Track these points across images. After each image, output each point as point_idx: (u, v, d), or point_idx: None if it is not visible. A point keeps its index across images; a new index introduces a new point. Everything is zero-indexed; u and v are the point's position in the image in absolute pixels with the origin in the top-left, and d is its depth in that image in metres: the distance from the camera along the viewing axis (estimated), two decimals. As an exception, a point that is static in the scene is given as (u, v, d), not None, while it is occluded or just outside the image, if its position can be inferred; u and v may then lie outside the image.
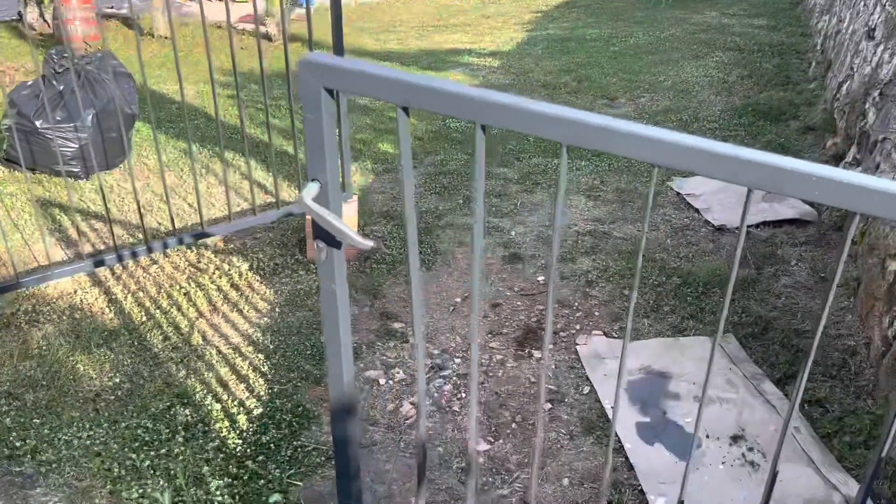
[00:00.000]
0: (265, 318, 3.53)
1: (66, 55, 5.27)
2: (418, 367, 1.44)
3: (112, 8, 13.86)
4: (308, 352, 3.27)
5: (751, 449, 2.76)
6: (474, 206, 1.24)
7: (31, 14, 11.71)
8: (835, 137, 5.48)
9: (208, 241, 4.15)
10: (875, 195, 0.99)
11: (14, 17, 12.43)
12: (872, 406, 2.95)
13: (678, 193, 5.07)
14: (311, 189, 1.29)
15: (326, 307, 1.44)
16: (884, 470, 2.61)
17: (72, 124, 5.00)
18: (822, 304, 1.14)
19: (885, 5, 5.21)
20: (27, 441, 2.67)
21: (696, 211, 4.80)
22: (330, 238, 1.34)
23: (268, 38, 11.38)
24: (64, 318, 3.44)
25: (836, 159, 5.23)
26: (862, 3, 6.30)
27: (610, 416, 2.95)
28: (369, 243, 1.30)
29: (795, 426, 2.86)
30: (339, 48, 3.78)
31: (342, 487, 1.67)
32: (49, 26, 11.50)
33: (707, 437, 2.84)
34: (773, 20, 10.79)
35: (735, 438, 2.83)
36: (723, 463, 2.71)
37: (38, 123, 4.94)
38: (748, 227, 4.53)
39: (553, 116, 1.10)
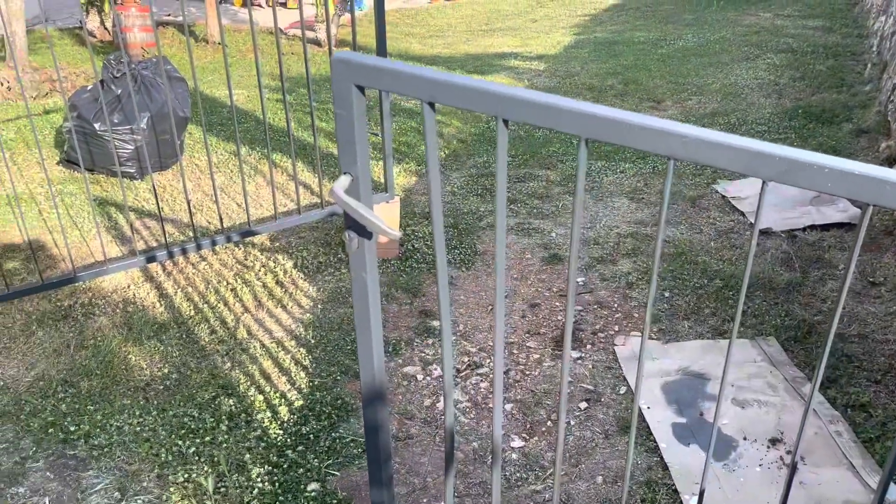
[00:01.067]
0: (308, 314, 3.62)
1: (123, 60, 5.49)
2: (444, 347, 1.48)
3: (169, 15, 14.31)
4: (348, 347, 3.35)
5: (789, 452, 2.73)
6: (496, 199, 1.29)
7: (92, 22, 12.17)
8: (888, 140, 5.35)
9: (255, 239, 4.28)
10: (888, 186, 1.00)
11: (76, 25, 12.95)
12: (918, 412, 2.89)
13: (723, 196, 5.01)
14: (343, 181, 1.35)
15: (358, 295, 1.50)
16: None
17: (128, 127, 5.20)
18: (838, 293, 1.16)
19: (942, 4, 5.07)
20: (81, 426, 2.80)
21: (741, 214, 4.74)
22: (361, 229, 1.40)
23: (317, 43, 11.60)
24: (118, 310, 3.59)
25: (890, 162, 5.11)
26: (919, 2, 6.13)
27: (647, 417, 2.95)
28: (397, 233, 1.35)
29: (837, 430, 2.82)
30: (381, 51, 3.86)
31: (373, 473, 1.73)
32: (109, 33, 11.94)
33: (745, 439, 2.82)
34: (829, 21, 10.54)
35: (773, 441, 2.80)
36: (760, 465, 2.69)
37: (96, 126, 5.15)
38: (794, 230, 4.46)
39: (571, 110, 1.14)
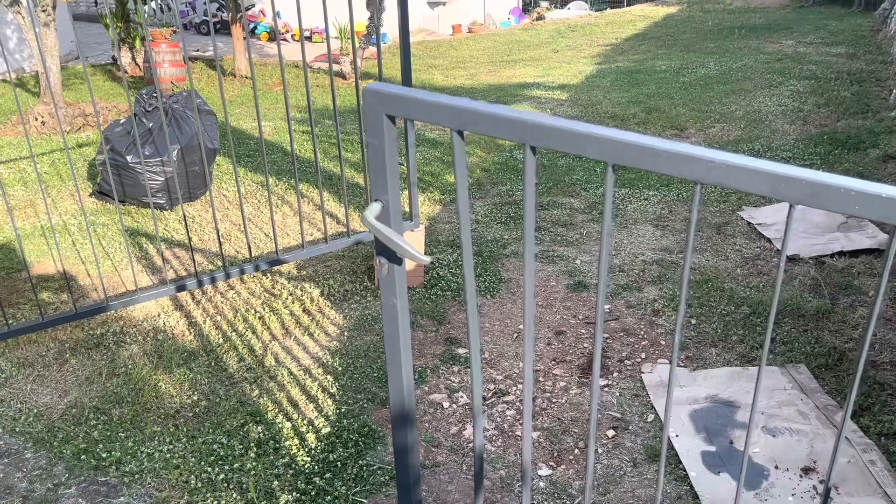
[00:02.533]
0: (334, 342, 3.65)
1: (155, 95, 5.63)
2: (473, 372, 1.50)
3: (198, 51, 14.66)
4: (375, 374, 3.37)
5: (822, 481, 2.69)
6: (525, 225, 1.31)
7: (124, 58, 12.52)
8: (916, 165, 5.31)
9: (282, 267, 4.33)
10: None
11: (109, 61, 13.32)
12: (954, 440, 2.83)
13: (749, 223, 4.99)
14: (374, 209, 1.38)
15: (388, 320, 1.52)
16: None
17: (159, 159, 5.32)
18: (867, 320, 1.16)
19: (967, 29, 5.06)
20: (112, 453, 2.83)
21: (768, 240, 4.71)
22: (391, 255, 1.43)
23: (342, 75, 11.81)
24: (148, 339, 3.65)
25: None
26: (944, 27, 6.11)
27: (676, 445, 2.92)
28: (427, 258, 1.38)
29: (871, 459, 2.77)
30: (407, 82, 3.93)
31: (402, 498, 1.73)
32: (140, 69, 12.26)
33: (776, 468, 2.78)
34: (852, 48, 10.52)
35: (806, 470, 2.75)
36: (792, 495, 2.64)
37: (128, 158, 5.28)
38: (822, 257, 4.42)
39: (597, 136, 1.16)
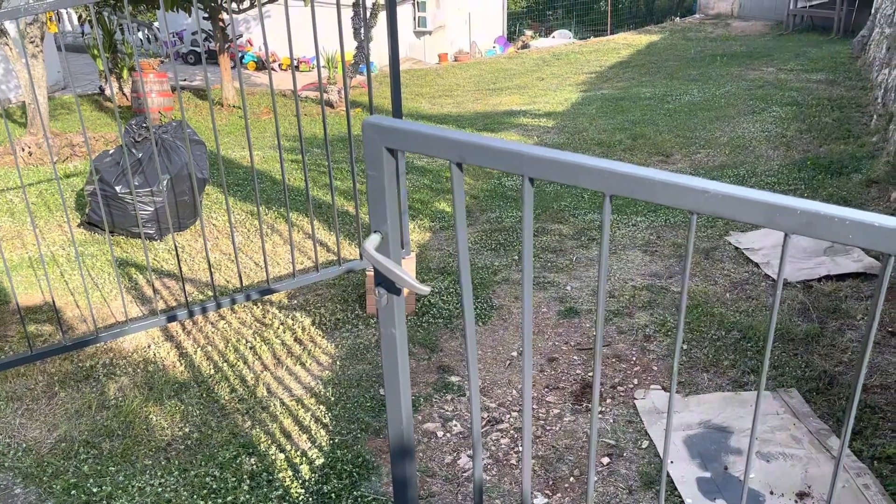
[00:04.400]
0: (327, 371, 3.64)
1: (144, 125, 5.64)
2: (472, 401, 1.50)
3: (184, 80, 14.71)
4: (368, 404, 3.35)
5: (817, 506, 2.69)
6: (523, 254, 1.32)
7: (111, 88, 12.56)
8: (898, 189, 5.39)
9: (273, 297, 4.32)
10: (909, 237, 1.03)
11: (96, 91, 13.33)
12: (946, 463, 2.85)
13: (736, 248, 5.04)
14: (374, 240, 1.40)
15: (387, 349, 1.53)
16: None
17: (148, 189, 5.31)
18: (859, 343, 1.18)
19: (944, 56, 5.18)
20: (103, 487, 2.80)
21: (756, 265, 4.75)
22: (390, 285, 1.44)
23: (330, 104, 11.87)
24: (138, 370, 3.62)
25: (901, 211, 5.13)
26: (921, 54, 6.25)
27: (671, 472, 2.92)
28: (426, 289, 1.39)
29: (865, 483, 2.78)
30: (397, 111, 3.96)
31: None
32: (127, 99, 12.28)
33: (772, 493, 2.78)
34: (832, 74, 10.71)
35: (801, 496, 2.76)
36: (788, 520, 2.64)
37: (118, 189, 5.27)
38: (810, 281, 4.46)
39: (594, 168, 1.18)
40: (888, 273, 1.16)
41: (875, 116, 7.72)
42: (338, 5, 3.85)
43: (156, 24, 18.28)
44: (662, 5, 23.36)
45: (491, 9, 20.35)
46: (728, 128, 8.22)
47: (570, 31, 21.31)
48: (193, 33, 17.33)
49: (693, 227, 1.21)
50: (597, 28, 21.37)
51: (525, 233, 1.32)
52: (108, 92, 12.68)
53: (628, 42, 16.81)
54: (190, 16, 13.36)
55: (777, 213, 1.10)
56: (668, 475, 2.89)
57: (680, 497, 2.78)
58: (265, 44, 3.72)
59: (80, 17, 14.59)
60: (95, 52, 12.38)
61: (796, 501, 2.73)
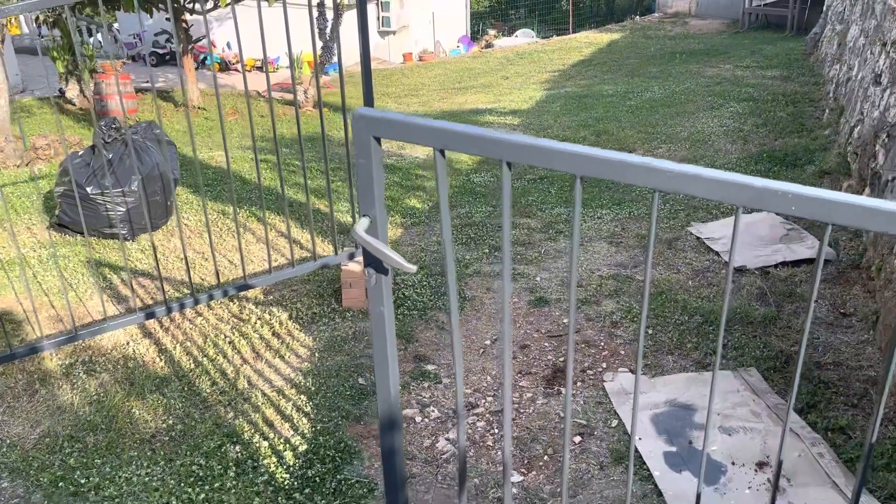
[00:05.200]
0: (306, 363, 3.72)
1: (114, 126, 5.65)
2: (457, 373, 1.61)
3: (146, 83, 14.59)
4: (348, 392, 3.45)
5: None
6: (503, 232, 1.44)
7: (72, 90, 12.39)
8: (849, 179, 5.64)
9: (249, 293, 4.38)
10: (841, 207, 1.18)
11: (56, 94, 13.15)
12: (894, 432, 3.05)
13: (697, 238, 5.23)
14: (363, 223, 1.50)
15: (376, 327, 1.63)
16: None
17: (119, 189, 5.33)
18: (806, 320, 1.32)
19: (889, 52, 5.44)
20: (90, 479, 2.85)
21: (716, 254, 4.95)
22: (379, 265, 1.55)
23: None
24: (119, 367, 3.67)
25: (852, 200, 5.38)
26: (869, 51, 6.53)
27: (639, 447, 3.07)
28: (413, 267, 1.50)
29: (819, 452, 2.96)
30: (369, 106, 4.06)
31: (390, 498, 1.83)
32: (89, 101, 12.15)
33: (733, 464, 2.95)
34: (787, 71, 11.05)
35: (760, 465, 2.93)
36: (749, 488, 2.81)
37: (88, 189, 5.27)
38: (767, 267, 4.67)
39: (566, 152, 1.31)
40: (826, 239, 1.30)
41: (827, 110, 8.02)
42: (309, 6, 3.94)
43: (115, 25, 18.06)
44: (623, 4, 23.75)
45: (454, 8, 20.50)
46: (688, 123, 8.45)
47: (532, 30, 21.56)
48: (156, 34, 17.15)
49: (655, 204, 1.33)
50: (559, 27, 21.65)
51: (504, 213, 1.44)
52: (68, 94, 12.55)
53: (590, 41, 17.08)
54: (151, 17, 13.25)
55: (730, 189, 1.23)
56: (637, 450, 3.04)
57: (648, 470, 2.93)
58: (239, 44, 3.79)
59: (37, 19, 14.38)
60: (55, 54, 12.22)
61: (756, 470, 2.90)
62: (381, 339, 1.65)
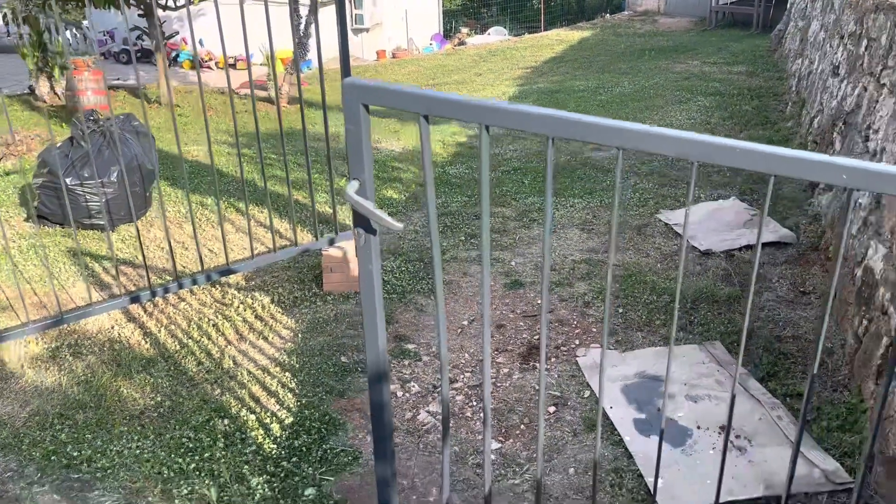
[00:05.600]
0: (289, 343, 3.83)
1: (92, 118, 5.69)
2: (439, 325, 1.74)
3: (118, 79, 14.51)
4: (331, 370, 3.57)
5: (738, 436, 3.04)
6: (481, 200, 1.58)
7: (43, 87, 12.30)
8: (810, 167, 5.87)
9: (231, 279, 4.48)
10: (783, 160, 1.33)
11: (25, 91, 13.04)
12: (847, 397, 3.24)
13: (666, 224, 5.42)
14: (353, 185, 1.63)
15: (364, 285, 1.76)
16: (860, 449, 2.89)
17: (98, 181, 5.37)
18: (753, 293, 1.47)
19: (846, 44, 5.67)
20: (82, 452, 2.94)
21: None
22: (367, 225, 1.67)
23: (270, 101, 11.94)
24: (105, 349, 3.74)
25: (812, 187, 5.61)
26: (828, 44, 6.78)
27: (611, 415, 3.23)
28: (399, 225, 1.63)
29: (778, 415, 3.14)
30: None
31: (378, 449, 1.96)
32: (59, 98, 12.08)
33: (698, 428, 3.12)
34: (752, 66, 11.35)
35: (722, 428, 3.10)
36: (713, 449, 2.98)
37: (67, 181, 5.31)
38: (732, 251, 4.87)
39: (538, 115, 1.45)
40: (770, 191, 1.46)
41: (790, 104, 8.28)
42: (290, 3, 4.03)
43: (85, 22, 17.91)
44: (593, 2, 24.05)
45: (427, 6, 20.62)
46: (657, 117, 8.67)
47: (505, 28, 21.75)
48: (129, 30, 17.00)
49: (620, 161, 1.48)
50: (531, 25, 21.87)
51: (482, 178, 1.57)
52: (38, 91, 12.46)
53: (561, 38, 17.30)
54: (122, 13, 13.20)
55: (685, 145, 1.38)
56: (609, 418, 3.20)
57: (619, 436, 3.09)
58: (223, 42, 3.87)
59: (4, 17, 14.22)
60: (24, 51, 12.12)
61: (719, 433, 3.07)
62: (370, 296, 1.77)
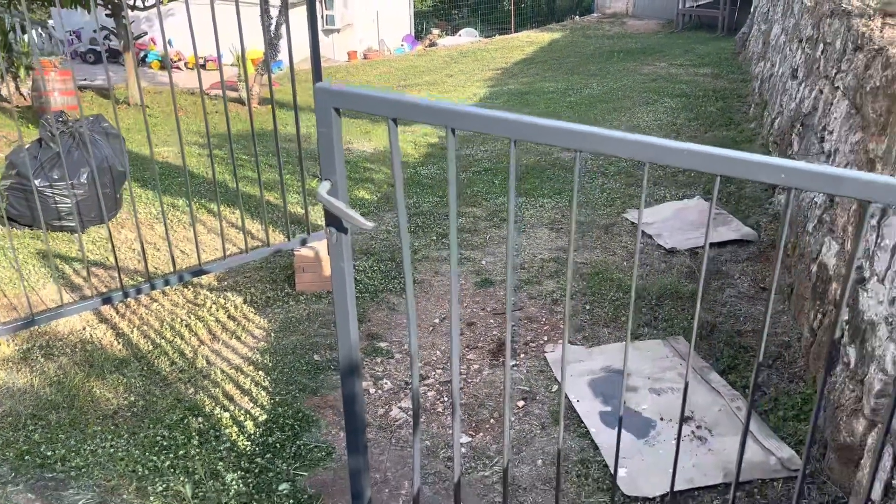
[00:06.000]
0: (262, 343, 3.87)
1: (61, 119, 5.67)
2: (410, 323, 1.81)
3: (85, 80, 14.35)
4: (304, 368, 3.62)
5: (699, 427, 3.15)
6: (449, 199, 1.65)
7: (9, 88, 12.13)
8: (771, 167, 6.04)
9: (203, 280, 4.50)
10: (727, 161, 1.42)
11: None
12: (803, 388, 3.37)
13: (633, 223, 5.55)
14: (325, 185, 1.70)
15: (336, 282, 1.82)
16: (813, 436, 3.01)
17: (68, 182, 5.35)
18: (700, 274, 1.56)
19: (804, 48, 5.85)
20: (56, 451, 2.96)
21: (649, 237, 5.26)
22: (339, 224, 1.74)
23: (242, 102, 11.90)
24: (77, 350, 3.75)
25: (773, 187, 5.78)
26: (788, 48, 6.98)
27: (577, 409, 3.32)
28: (370, 224, 1.70)
29: (737, 406, 3.26)
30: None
31: (351, 441, 2.02)
32: (26, 99, 11.93)
33: (661, 419, 3.23)
34: (717, 69, 11.58)
35: (685, 419, 3.21)
36: (675, 439, 3.09)
37: (36, 182, 5.29)
38: (695, 248, 5.00)
39: (502, 119, 1.52)
40: (716, 188, 1.55)
41: (753, 105, 8.49)
42: (261, 4, 4.08)
43: (51, 22, 17.67)
44: (563, 4, 24.28)
45: (398, 8, 20.66)
46: (625, 118, 8.83)
47: (475, 29, 21.88)
48: (95, 30, 16.82)
49: (578, 162, 1.57)
50: (501, 27, 22.01)
51: (450, 177, 1.65)
52: (3, 92, 12.28)
53: (531, 40, 17.46)
54: (89, 13, 13.04)
55: (640, 148, 1.47)
56: (575, 411, 3.30)
57: (585, 427, 3.19)
58: (193, 43, 3.89)
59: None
60: (-11, 50, 11.94)
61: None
62: (342, 292, 1.84)
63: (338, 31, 18.45)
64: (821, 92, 4.76)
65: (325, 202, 1.68)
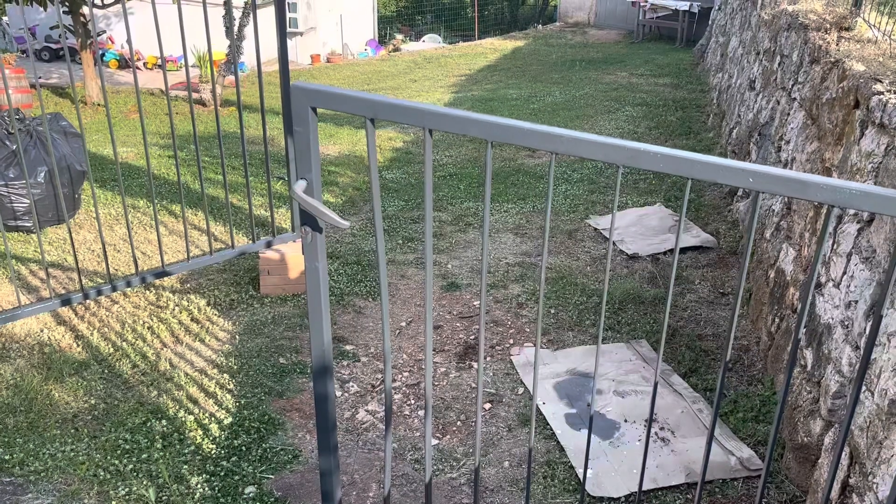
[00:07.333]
0: (226, 346, 3.83)
1: (17, 117, 5.53)
2: (384, 324, 1.82)
3: (40, 78, 14.01)
4: (269, 371, 3.59)
5: (662, 428, 3.21)
6: (425, 199, 1.66)
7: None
8: (729, 176, 6.18)
9: (165, 281, 4.43)
10: (698, 164, 1.46)
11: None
12: (761, 390, 3.46)
13: (595, 229, 5.63)
14: (301, 184, 1.69)
15: (311, 282, 1.82)
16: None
17: (25, 181, 5.23)
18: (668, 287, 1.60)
19: (762, 60, 6.01)
20: (14, 455, 2.88)
21: (613, 243, 5.34)
22: (314, 223, 1.74)
23: (202, 103, 11.75)
24: (34, 352, 3.66)
25: (732, 194, 5.92)
26: (745, 60, 7.16)
27: (543, 411, 3.36)
28: (346, 223, 1.70)
29: (699, 408, 3.33)
30: (287, 102, 4.20)
31: (322, 440, 2.02)
32: (-20, 96, 11.59)
33: (625, 421, 3.28)
34: (677, 79, 11.81)
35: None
36: (639, 441, 3.14)
37: (-8, 181, 5.15)
38: (657, 254, 5.10)
39: (478, 120, 1.55)
40: (688, 192, 1.60)
41: (711, 115, 8.68)
42: (225, 4, 4.04)
43: (5, 19, 17.22)
44: (526, 13, 24.52)
45: (361, 12, 20.63)
46: (587, 126, 8.95)
47: (439, 35, 21.95)
48: (51, 28, 16.47)
49: (553, 164, 1.59)
50: (465, 33, 22.14)
51: (426, 178, 1.66)
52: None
53: (495, 47, 17.59)
54: (46, 10, 12.76)
55: (611, 150, 1.50)
56: (541, 413, 3.33)
57: (551, 430, 3.22)
58: (159, 40, 3.84)
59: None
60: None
61: (645, 425, 3.23)
62: (316, 291, 1.84)
63: (301, 33, 18.34)
64: (778, 103, 4.90)
65: (301, 200, 1.68)
